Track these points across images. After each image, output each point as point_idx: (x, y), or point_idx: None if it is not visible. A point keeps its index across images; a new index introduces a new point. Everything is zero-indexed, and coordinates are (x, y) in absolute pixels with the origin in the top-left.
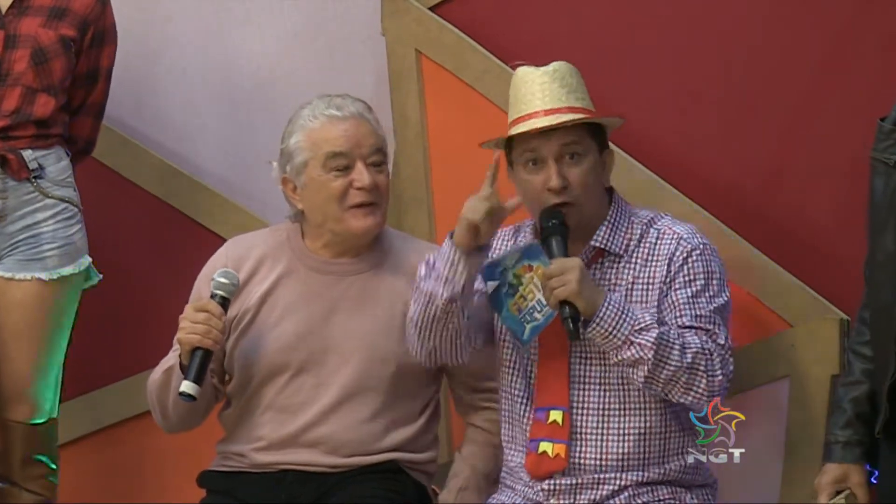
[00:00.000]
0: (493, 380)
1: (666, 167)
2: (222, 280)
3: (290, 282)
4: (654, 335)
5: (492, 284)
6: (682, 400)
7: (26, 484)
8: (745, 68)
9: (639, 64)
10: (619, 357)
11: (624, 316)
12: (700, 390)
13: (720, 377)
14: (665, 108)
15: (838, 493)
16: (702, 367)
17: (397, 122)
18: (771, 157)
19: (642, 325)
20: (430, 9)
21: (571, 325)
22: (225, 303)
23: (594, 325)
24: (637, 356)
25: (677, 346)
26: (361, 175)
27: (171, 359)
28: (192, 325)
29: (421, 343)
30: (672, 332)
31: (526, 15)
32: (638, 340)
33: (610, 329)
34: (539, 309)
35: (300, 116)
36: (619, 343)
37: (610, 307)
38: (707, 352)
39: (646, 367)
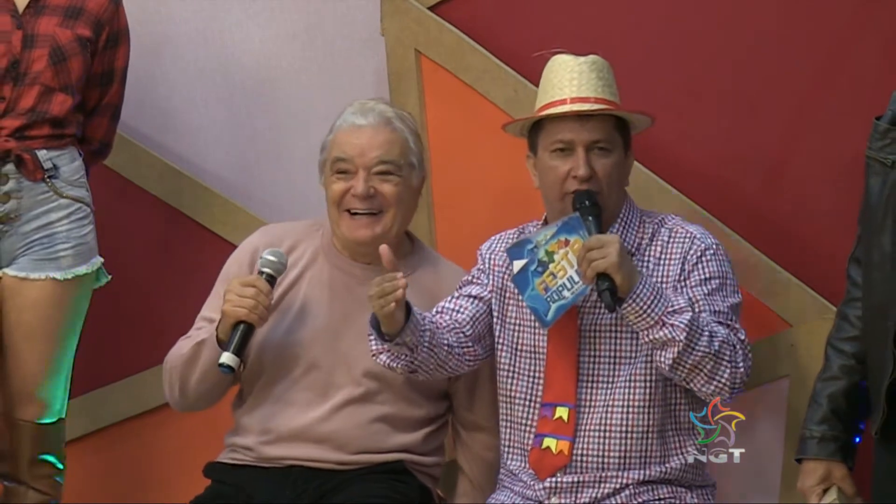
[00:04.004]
0: (485, 416)
1: (666, 167)
2: (271, 258)
3: (313, 276)
4: (687, 318)
5: (518, 264)
6: (704, 389)
7: (33, 483)
8: (745, 68)
9: (639, 63)
10: (651, 337)
11: (658, 296)
12: (723, 380)
13: (742, 370)
14: (665, 108)
15: (825, 491)
16: (727, 357)
17: None
18: (771, 157)
19: (676, 307)
20: (430, 9)
21: (610, 297)
22: (272, 281)
23: (630, 301)
24: (669, 336)
25: (706, 333)
26: (358, 182)
27: (198, 335)
28: (239, 299)
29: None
30: (702, 318)
31: (526, 15)
32: (671, 321)
33: (644, 307)
34: (569, 286)
35: (339, 117)
36: (652, 322)
37: (646, 286)
38: (731, 343)
39: (676, 349)
